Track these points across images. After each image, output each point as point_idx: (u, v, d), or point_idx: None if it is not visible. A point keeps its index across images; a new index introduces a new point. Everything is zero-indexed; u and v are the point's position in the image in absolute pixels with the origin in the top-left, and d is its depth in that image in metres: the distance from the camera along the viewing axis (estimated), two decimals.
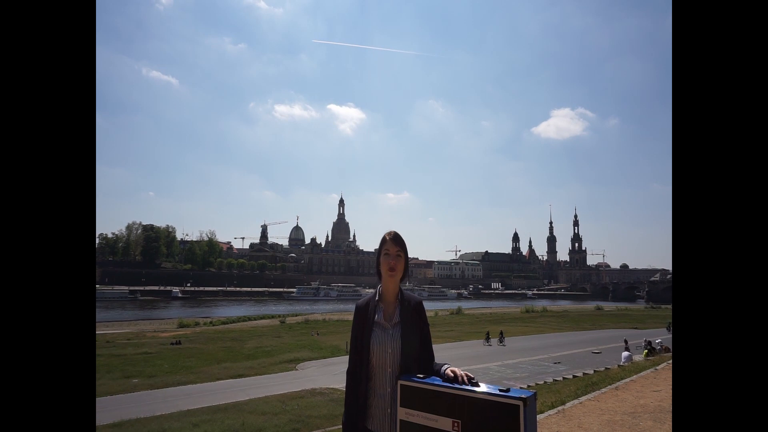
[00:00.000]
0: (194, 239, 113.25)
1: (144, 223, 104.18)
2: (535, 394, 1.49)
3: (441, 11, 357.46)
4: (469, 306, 70.25)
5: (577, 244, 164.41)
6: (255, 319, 46.25)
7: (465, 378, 1.63)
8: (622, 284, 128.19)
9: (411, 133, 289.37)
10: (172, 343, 26.66)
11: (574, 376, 15.36)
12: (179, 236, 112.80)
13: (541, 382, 15.81)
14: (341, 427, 1.94)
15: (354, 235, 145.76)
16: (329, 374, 17.34)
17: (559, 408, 4.99)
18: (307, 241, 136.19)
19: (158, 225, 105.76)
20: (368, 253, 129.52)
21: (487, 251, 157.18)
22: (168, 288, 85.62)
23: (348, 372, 1.94)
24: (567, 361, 20.98)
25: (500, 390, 1.50)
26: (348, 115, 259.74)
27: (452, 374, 1.66)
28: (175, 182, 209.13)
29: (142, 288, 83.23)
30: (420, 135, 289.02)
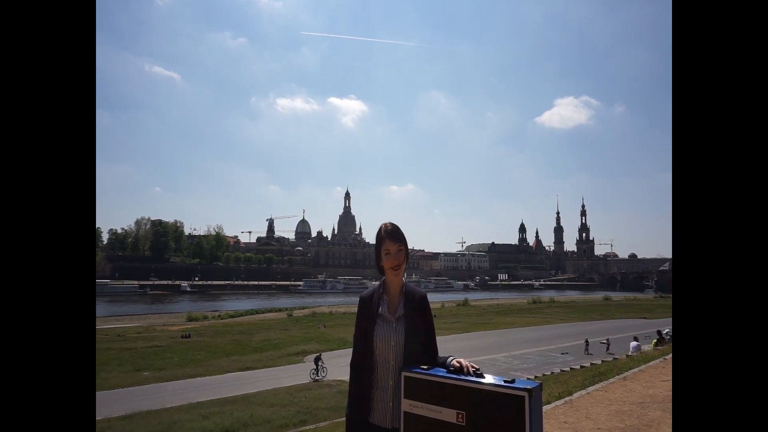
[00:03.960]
0: (202, 234, 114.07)
1: (152, 219, 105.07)
2: (540, 385, 1.47)
3: (442, 1, 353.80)
4: (476, 297, 70.30)
5: (584, 234, 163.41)
6: (262, 313, 46.64)
7: (470, 369, 1.61)
8: (631, 274, 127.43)
9: (414, 125, 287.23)
10: (182, 336, 26.96)
11: (582, 366, 15.35)
12: (187, 231, 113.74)
13: (548, 373, 15.83)
14: (345, 418, 1.93)
15: (360, 228, 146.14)
16: (336, 366, 17.45)
17: (567, 399, 4.97)
18: (314, 234, 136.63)
19: (166, 220, 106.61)
20: (374, 245, 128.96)
21: (493, 242, 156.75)
22: (177, 282, 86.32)
23: (351, 364, 1.92)
24: (575, 352, 20.98)
25: (505, 381, 1.48)
26: (350, 108, 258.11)
27: (458, 365, 1.64)
28: (181, 178, 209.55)
29: (151, 282, 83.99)
30: (423, 127, 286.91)
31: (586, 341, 22.25)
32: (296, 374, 17.28)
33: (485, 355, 20.40)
